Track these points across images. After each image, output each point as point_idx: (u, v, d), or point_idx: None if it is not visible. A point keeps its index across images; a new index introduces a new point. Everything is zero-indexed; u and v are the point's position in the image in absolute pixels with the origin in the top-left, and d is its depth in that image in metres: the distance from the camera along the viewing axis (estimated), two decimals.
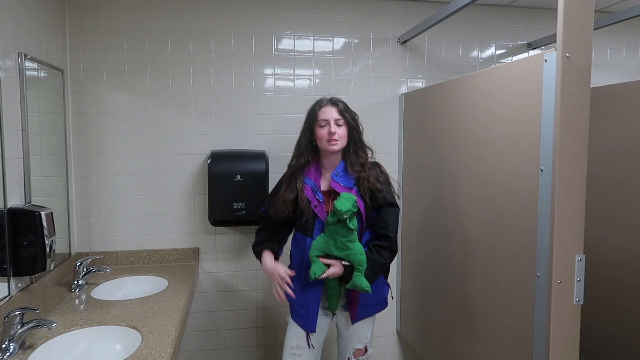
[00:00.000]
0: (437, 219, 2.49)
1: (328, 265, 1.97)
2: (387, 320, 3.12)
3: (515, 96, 1.79)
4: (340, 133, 2.03)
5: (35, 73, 2.19)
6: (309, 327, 2.10)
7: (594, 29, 1.57)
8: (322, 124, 2.04)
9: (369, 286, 1.95)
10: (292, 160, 2.16)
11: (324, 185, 2.09)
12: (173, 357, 1.67)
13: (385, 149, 3.00)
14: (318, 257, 1.97)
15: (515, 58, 3.22)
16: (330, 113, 2.04)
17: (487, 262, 2.01)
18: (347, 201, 1.87)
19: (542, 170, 1.62)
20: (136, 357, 1.61)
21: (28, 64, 2.08)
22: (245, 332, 2.98)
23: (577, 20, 1.51)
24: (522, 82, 1.73)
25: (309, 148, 2.10)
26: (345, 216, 1.86)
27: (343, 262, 1.97)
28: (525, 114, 1.72)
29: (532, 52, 3.23)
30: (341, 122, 2.04)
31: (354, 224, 1.91)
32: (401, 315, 3.07)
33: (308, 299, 2.08)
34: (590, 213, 1.64)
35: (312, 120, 2.08)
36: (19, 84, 2.00)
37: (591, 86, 1.55)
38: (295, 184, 2.07)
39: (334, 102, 2.07)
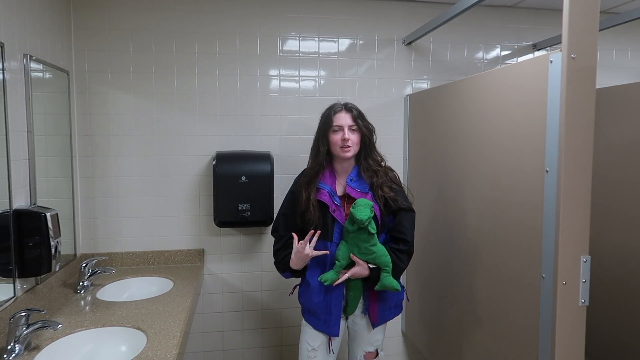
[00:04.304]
0: (443, 220, 2.49)
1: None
2: (392, 321, 3.05)
3: (520, 97, 1.78)
4: (354, 139, 2.02)
5: (40, 74, 2.20)
6: (333, 332, 2.08)
7: (600, 30, 1.56)
8: (336, 129, 2.03)
9: (399, 285, 1.98)
10: (308, 165, 2.14)
11: (339, 190, 2.08)
12: (178, 358, 1.67)
13: (391, 150, 2.98)
14: (344, 267, 1.98)
15: (520, 59, 3.21)
16: (344, 119, 2.03)
17: (493, 263, 2.01)
18: (364, 208, 1.88)
19: (547, 172, 1.61)
20: (141, 359, 1.61)
21: (33, 65, 2.09)
22: (251, 334, 2.98)
23: (583, 21, 1.50)
24: (528, 83, 1.73)
25: (324, 154, 2.07)
26: (366, 224, 1.87)
27: (369, 265, 1.97)
28: (530, 115, 1.71)
29: (537, 53, 3.21)
30: (355, 128, 2.03)
31: (373, 227, 1.91)
32: (406, 316, 3.06)
33: (331, 303, 2.06)
34: (595, 214, 1.63)
35: (326, 125, 2.05)
36: (24, 85, 2.01)
37: (596, 87, 1.55)
38: (309, 191, 2.04)
39: (348, 108, 2.06)
